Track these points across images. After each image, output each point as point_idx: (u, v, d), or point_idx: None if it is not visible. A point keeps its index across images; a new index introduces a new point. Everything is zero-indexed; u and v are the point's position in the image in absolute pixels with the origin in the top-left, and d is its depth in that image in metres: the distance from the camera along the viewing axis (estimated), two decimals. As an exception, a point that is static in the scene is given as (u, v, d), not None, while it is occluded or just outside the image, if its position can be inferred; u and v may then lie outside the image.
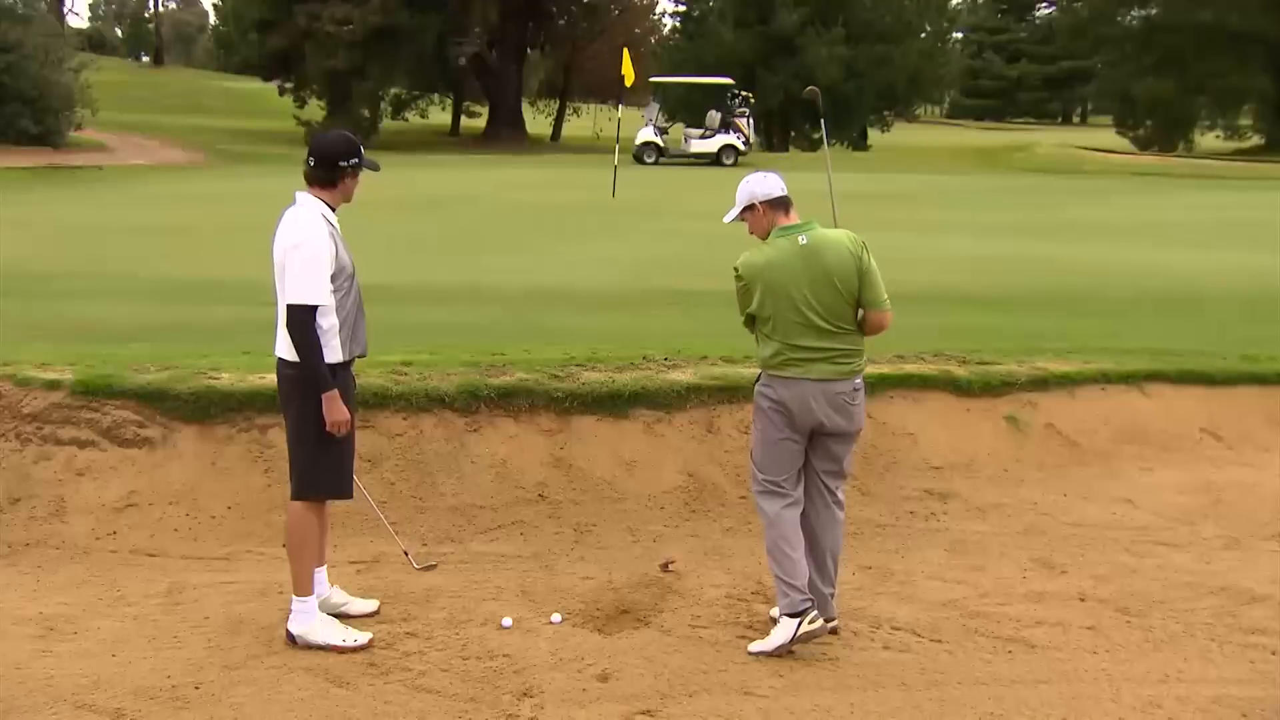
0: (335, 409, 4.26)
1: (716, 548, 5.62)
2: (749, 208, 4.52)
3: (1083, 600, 5.01)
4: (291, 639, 4.40)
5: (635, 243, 15.93)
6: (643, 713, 3.93)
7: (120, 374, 6.14)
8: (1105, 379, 7.51)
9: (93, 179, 29.50)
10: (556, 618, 4.68)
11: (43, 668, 4.17)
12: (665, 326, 8.86)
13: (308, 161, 4.37)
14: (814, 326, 4.37)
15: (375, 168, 4.51)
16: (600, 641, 4.49)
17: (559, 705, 3.97)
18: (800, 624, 4.34)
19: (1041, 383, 7.30)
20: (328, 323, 4.26)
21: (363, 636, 4.41)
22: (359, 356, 4.47)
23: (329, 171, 4.35)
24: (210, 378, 6.16)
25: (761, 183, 4.52)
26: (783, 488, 4.49)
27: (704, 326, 8.93)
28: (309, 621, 4.40)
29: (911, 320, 9.45)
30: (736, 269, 4.52)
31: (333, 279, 4.25)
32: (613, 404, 6.41)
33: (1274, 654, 4.50)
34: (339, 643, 4.36)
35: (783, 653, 4.36)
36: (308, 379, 4.26)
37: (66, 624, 4.57)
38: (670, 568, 5.24)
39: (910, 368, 7.16)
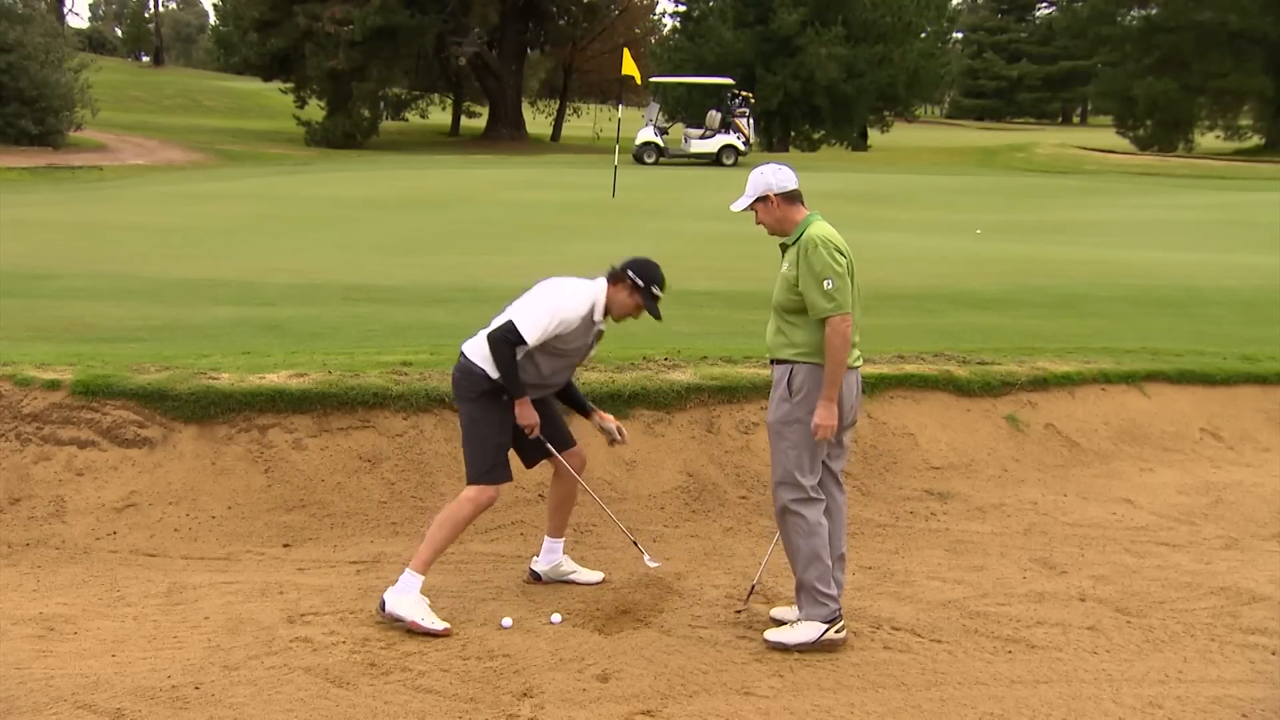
0: (525, 414, 4.65)
1: (716, 548, 5.62)
2: (763, 199, 4.45)
3: (1083, 600, 5.01)
4: (381, 605, 4.57)
5: (635, 243, 15.88)
6: (643, 713, 3.93)
7: (120, 374, 6.14)
8: (1105, 379, 7.51)
9: (93, 179, 29.52)
10: (556, 618, 4.68)
11: (43, 668, 4.17)
12: (665, 326, 8.81)
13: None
14: (859, 310, 4.41)
15: (657, 314, 4.80)
16: (600, 641, 4.49)
17: (559, 705, 3.97)
18: (828, 630, 4.39)
19: (1041, 383, 7.30)
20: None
21: (440, 624, 4.52)
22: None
23: (618, 272, 4.72)
24: (210, 378, 6.16)
25: (776, 174, 4.46)
26: (818, 491, 4.45)
27: (704, 326, 8.93)
28: (406, 596, 4.56)
29: (911, 320, 9.49)
30: (835, 245, 4.28)
31: (549, 341, 4.60)
32: (613, 404, 6.39)
33: (1274, 654, 4.50)
34: (419, 620, 4.50)
35: (791, 650, 4.38)
36: (476, 381, 4.65)
37: (66, 624, 4.57)
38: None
39: (910, 368, 7.16)
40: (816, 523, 4.41)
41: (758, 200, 4.47)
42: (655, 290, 4.73)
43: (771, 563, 5.12)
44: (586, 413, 5.06)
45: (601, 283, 4.74)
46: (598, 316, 4.72)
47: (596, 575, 5.13)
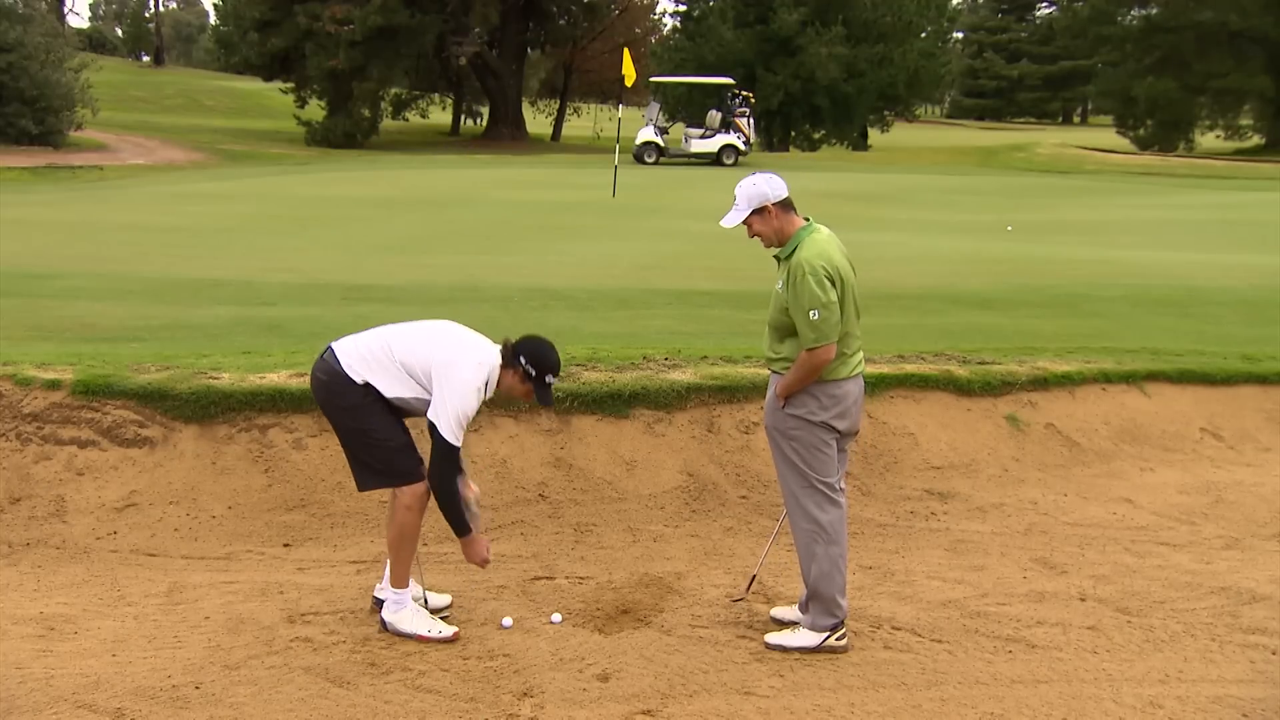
0: (473, 552, 4.50)
1: (717, 548, 5.62)
2: (760, 210, 4.29)
3: (1083, 600, 5.01)
4: (383, 625, 4.56)
5: (635, 243, 15.92)
6: (643, 713, 3.94)
7: (120, 374, 6.14)
8: (1105, 379, 7.52)
9: (93, 179, 29.50)
10: (556, 618, 4.68)
11: (43, 667, 4.17)
12: (665, 326, 8.86)
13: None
14: (858, 319, 4.38)
15: (547, 402, 4.55)
16: (600, 641, 4.50)
17: (559, 705, 3.97)
18: (829, 637, 4.39)
19: (1041, 383, 7.31)
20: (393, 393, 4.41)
21: (448, 630, 4.51)
22: None
23: (510, 356, 4.41)
24: (210, 378, 6.16)
25: (770, 183, 4.29)
26: (837, 491, 4.42)
27: (704, 326, 8.93)
28: (400, 610, 4.54)
29: (911, 320, 9.49)
30: (823, 270, 4.16)
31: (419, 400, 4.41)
32: (613, 404, 6.41)
33: (1274, 654, 4.50)
34: (425, 633, 4.49)
35: (791, 653, 4.38)
36: (346, 385, 4.40)
37: (66, 624, 4.57)
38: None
39: (910, 368, 7.16)
40: (836, 531, 4.38)
41: (755, 213, 4.30)
42: (548, 379, 4.42)
43: (772, 561, 5.13)
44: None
45: (495, 356, 4.41)
46: (488, 393, 4.44)
47: (444, 599, 4.81)
